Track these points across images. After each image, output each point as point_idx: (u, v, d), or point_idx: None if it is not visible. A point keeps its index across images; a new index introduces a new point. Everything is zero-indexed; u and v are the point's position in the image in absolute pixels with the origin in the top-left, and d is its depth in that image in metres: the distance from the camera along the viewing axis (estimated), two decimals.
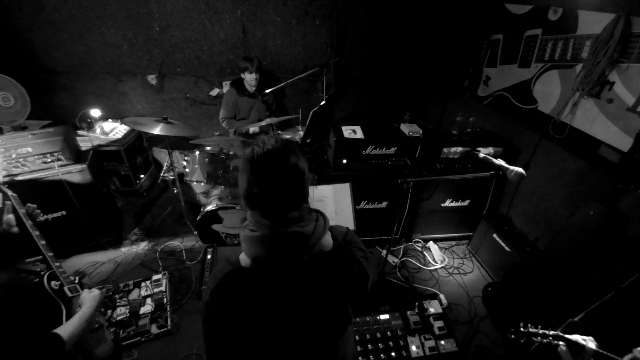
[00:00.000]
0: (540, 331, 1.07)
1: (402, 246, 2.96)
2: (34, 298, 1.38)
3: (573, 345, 1.03)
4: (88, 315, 1.34)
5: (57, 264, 1.47)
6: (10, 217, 1.43)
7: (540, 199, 2.56)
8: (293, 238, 0.81)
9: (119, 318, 2.10)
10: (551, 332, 1.07)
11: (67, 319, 1.37)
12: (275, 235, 0.81)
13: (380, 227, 2.86)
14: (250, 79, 2.95)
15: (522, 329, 1.10)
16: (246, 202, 0.84)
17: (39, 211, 1.53)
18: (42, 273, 1.44)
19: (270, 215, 0.82)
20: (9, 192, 1.46)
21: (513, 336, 1.11)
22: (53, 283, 1.43)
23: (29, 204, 1.49)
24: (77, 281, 1.55)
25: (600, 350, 1.05)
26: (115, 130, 3.13)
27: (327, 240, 0.89)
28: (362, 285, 0.91)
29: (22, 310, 1.30)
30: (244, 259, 0.87)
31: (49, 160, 2.27)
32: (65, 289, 1.44)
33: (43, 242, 1.46)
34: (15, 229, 1.43)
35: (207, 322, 0.86)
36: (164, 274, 2.45)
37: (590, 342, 1.04)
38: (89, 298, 1.41)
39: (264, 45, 3.33)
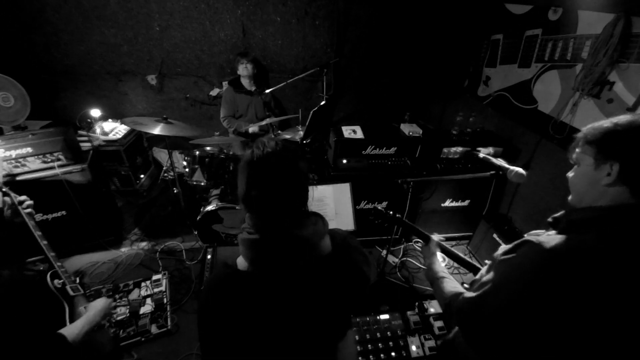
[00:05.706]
0: (390, 213, 1.62)
1: (402, 246, 2.96)
2: (37, 295, 1.40)
3: (422, 236, 1.48)
4: (92, 320, 1.35)
5: (59, 264, 1.50)
6: (9, 212, 1.46)
7: (540, 199, 2.56)
8: (290, 242, 0.80)
9: (119, 318, 2.10)
10: (396, 215, 1.64)
11: (70, 317, 1.38)
12: (272, 239, 0.80)
13: (380, 227, 2.85)
14: (243, 70, 2.97)
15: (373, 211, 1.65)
16: (244, 205, 0.82)
17: (30, 202, 1.53)
18: (44, 271, 1.46)
19: (269, 218, 0.80)
20: (18, 198, 1.47)
21: (371, 217, 1.62)
22: (56, 281, 1.44)
23: (19, 198, 1.49)
24: (77, 282, 1.57)
25: (443, 243, 1.43)
26: (115, 130, 3.13)
27: (326, 244, 0.88)
28: (361, 289, 0.90)
29: (24, 308, 1.31)
30: (241, 262, 0.86)
31: (49, 160, 2.27)
32: (68, 287, 1.46)
33: (45, 242, 1.48)
34: (16, 219, 1.47)
35: (202, 326, 0.85)
36: (164, 274, 2.45)
37: (434, 235, 1.44)
38: (96, 303, 1.44)
39: (264, 45, 3.33)
